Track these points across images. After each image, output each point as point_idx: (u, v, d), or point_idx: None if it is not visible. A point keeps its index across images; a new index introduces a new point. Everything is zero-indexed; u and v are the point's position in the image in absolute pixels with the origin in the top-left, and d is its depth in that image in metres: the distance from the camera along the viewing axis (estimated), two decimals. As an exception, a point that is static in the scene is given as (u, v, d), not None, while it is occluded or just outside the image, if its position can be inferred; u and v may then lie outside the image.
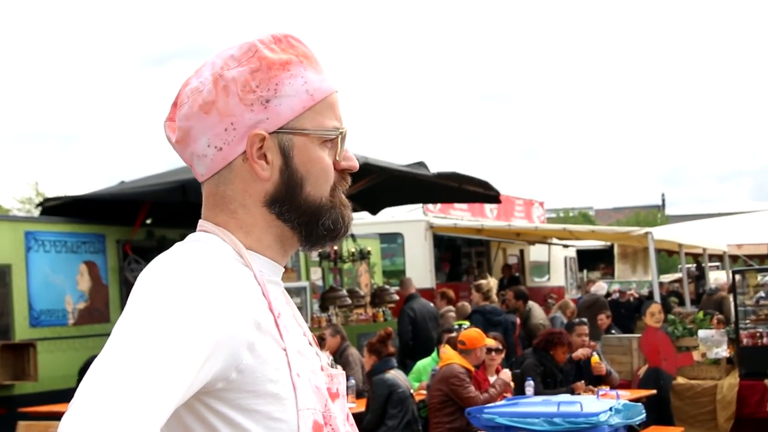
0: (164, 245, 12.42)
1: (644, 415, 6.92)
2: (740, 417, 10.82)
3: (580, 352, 10.10)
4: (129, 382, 1.33)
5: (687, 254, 20.33)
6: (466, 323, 10.96)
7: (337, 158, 1.74)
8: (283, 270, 1.77)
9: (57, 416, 9.01)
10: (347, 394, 2.10)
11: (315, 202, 1.71)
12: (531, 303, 14.81)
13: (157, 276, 1.54)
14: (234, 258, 1.65)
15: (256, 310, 1.59)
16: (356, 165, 1.77)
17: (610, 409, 6.51)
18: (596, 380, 10.09)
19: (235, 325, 1.53)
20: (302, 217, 1.71)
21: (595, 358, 10.23)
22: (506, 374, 8.92)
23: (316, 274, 14.89)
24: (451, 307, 13.96)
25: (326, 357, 1.85)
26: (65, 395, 10.62)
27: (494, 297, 12.10)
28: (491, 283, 12.21)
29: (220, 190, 1.71)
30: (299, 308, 1.86)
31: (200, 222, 1.74)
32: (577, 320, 11.61)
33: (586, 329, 10.66)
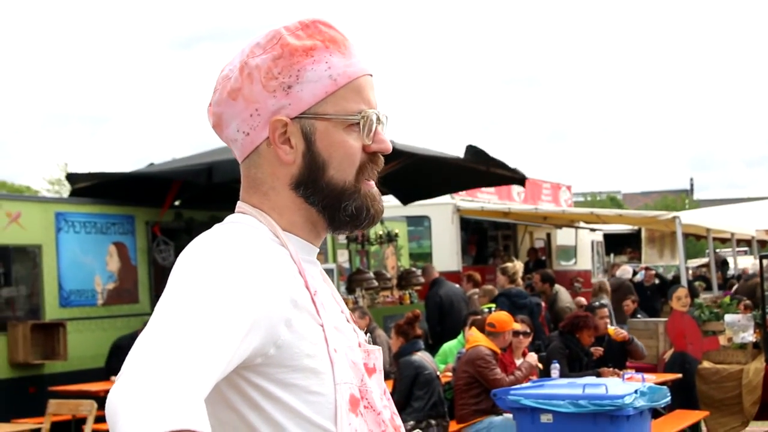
0: (192, 227, 12.63)
1: (669, 398, 6.91)
2: (766, 401, 10.79)
3: (613, 332, 10.26)
4: (173, 356, 1.37)
5: (715, 239, 20.22)
6: (494, 306, 10.98)
7: (366, 141, 1.76)
8: (318, 250, 1.82)
9: (86, 395, 9.14)
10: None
11: (338, 185, 1.75)
12: (558, 286, 14.79)
13: (198, 255, 1.59)
14: (270, 238, 1.70)
15: (293, 288, 1.64)
16: (389, 147, 1.80)
17: (636, 391, 6.50)
18: (622, 361, 10.11)
19: (272, 303, 1.57)
20: (326, 200, 1.75)
21: (611, 329, 10.31)
22: (532, 357, 8.93)
23: (342, 256, 14.92)
24: (476, 290, 13.93)
25: (363, 334, 1.85)
26: (94, 374, 10.77)
27: (519, 280, 12.08)
28: (517, 266, 12.17)
29: (251, 173, 1.77)
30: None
31: (238, 203, 1.79)
32: (597, 303, 11.65)
33: (606, 311, 10.69)
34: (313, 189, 1.74)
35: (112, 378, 9.70)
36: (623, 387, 6.68)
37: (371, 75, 1.81)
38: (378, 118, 1.78)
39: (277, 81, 1.72)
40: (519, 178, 14.29)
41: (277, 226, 1.72)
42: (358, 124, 1.75)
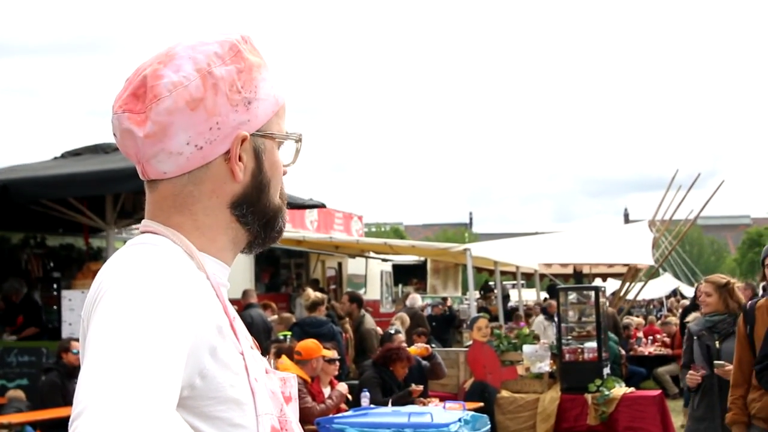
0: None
1: (489, 426, 7.02)
2: (559, 430, 11.14)
3: (416, 348, 10.57)
4: (133, 379, 1.30)
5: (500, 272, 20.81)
6: (289, 334, 10.97)
7: (287, 161, 1.78)
8: (229, 271, 1.74)
9: None
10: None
11: (275, 205, 1.74)
12: (363, 310, 14.83)
13: (123, 284, 1.49)
14: (186, 260, 1.61)
15: (216, 314, 1.57)
16: (288, 169, 1.81)
17: (459, 420, 6.57)
18: (424, 389, 10.21)
19: (200, 330, 1.50)
20: (263, 219, 1.72)
21: (412, 348, 10.58)
22: (343, 387, 8.88)
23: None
24: (275, 317, 13.90)
25: (267, 361, 1.78)
26: None
27: (321, 309, 12.01)
28: (308, 294, 12.26)
29: (186, 190, 1.67)
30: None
31: (145, 222, 1.70)
32: (393, 330, 11.95)
33: (402, 337, 10.94)
34: (254, 208, 1.70)
35: None
36: (447, 415, 6.74)
37: None
38: None
39: (240, 95, 1.66)
40: (317, 205, 14.35)
41: (194, 248, 1.63)
42: (282, 143, 1.75)
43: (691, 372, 7.18)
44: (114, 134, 1.70)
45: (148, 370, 1.32)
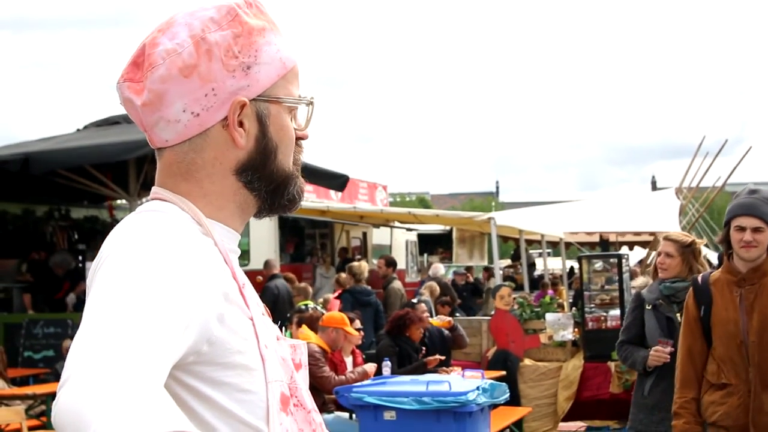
0: (6, 219, 12.03)
1: (508, 394, 7.03)
2: (581, 399, 11.12)
3: (438, 320, 10.65)
4: (122, 350, 1.28)
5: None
6: (311, 303, 11.04)
7: (299, 126, 1.75)
8: (239, 237, 1.73)
9: None
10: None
11: (284, 170, 1.71)
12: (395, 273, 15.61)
13: (127, 250, 1.49)
14: (194, 227, 1.61)
15: (223, 281, 1.56)
16: (308, 134, 1.78)
17: (478, 388, 6.59)
18: (445, 353, 10.23)
19: (205, 297, 1.49)
20: (270, 185, 1.70)
21: (434, 320, 10.67)
22: (370, 366, 8.83)
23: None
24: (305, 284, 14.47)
25: (278, 328, 1.78)
26: None
27: (364, 278, 12.78)
28: (363, 266, 12.68)
29: (188, 158, 1.66)
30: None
31: (155, 189, 1.69)
32: (415, 299, 12.05)
33: (424, 306, 11.00)
34: (261, 174, 1.68)
35: None
36: (465, 384, 6.77)
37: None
38: None
39: (237, 60, 1.63)
40: (341, 181, 14.55)
41: (201, 215, 1.63)
42: (294, 108, 1.73)
43: (656, 348, 6.00)
44: (120, 104, 1.71)
45: (139, 341, 1.31)
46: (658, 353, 5.96)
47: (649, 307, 6.17)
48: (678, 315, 5.86)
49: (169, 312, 1.38)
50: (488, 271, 23.73)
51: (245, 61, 1.64)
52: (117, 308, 1.36)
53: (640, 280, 7.05)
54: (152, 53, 1.63)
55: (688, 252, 6.09)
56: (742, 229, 4.88)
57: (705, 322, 4.97)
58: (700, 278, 5.13)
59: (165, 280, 1.42)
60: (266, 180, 1.69)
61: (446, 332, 10.51)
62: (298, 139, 1.76)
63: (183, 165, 1.66)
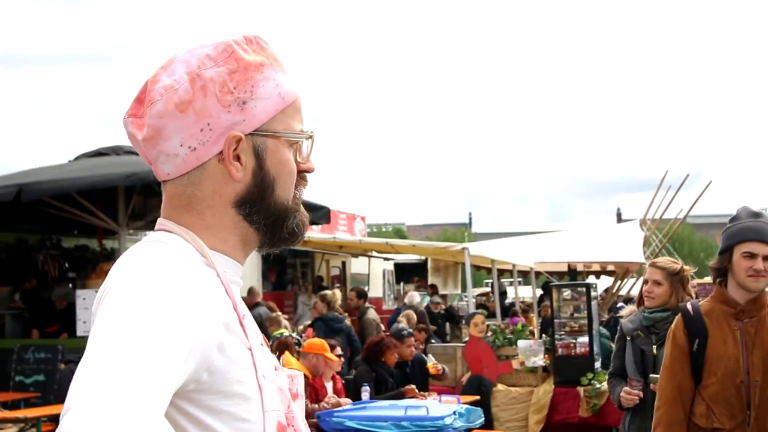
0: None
1: (483, 419, 7.35)
2: (552, 422, 11.55)
3: (432, 366, 10.99)
4: (124, 378, 1.34)
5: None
6: (286, 332, 11.37)
7: (299, 159, 1.77)
8: (242, 269, 1.77)
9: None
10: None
11: (283, 204, 1.73)
12: (368, 303, 15.89)
13: (130, 280, 1.53)
14: (197, 258, 1.65)
15: (224, 311, 1.60)
16: (314, 167, 1.81)
17: (454, 413, 6.92)
18: (425, 382, 10.68)
19: (207, 326, 1.53)
20: (269, 219, 1.72)
21: (430, 364, 10.93)
22: (346, 401, 9.02)
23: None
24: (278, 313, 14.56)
25: (276, 359, 1.90)
26: None
27: (337, 306, 12.83)
28: (335, 294, 12.89)
29: (188, 191, 1.70)
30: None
31: (160, 221, 1.73)
32: (405, 332, 12.20)
33: (413, 340, 11.24)
34: (259, 207, 1.71)
35: None
36: (442, 408, 7.05)
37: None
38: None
39: (232, 96, 1.67)
40: (322, 213, 14.84)
41: (205, 246, 1.66)
42: (297, 143, 1.76)
43: (626, 389, 5.71)
44: (128, 138, 1.77)
45: (141, 370, 1.35)
46: (628, 394, 5.69)
47: (629, 338, 5.83)
48: (654, 347, 5.59)
49: (171, 340, 1.42)
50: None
51: (241, 97, 1.67)
52: (120, 337, 1.40)
53: (627, 309, 6.52)
54: (152, 90, 1.69)
55: (677, 280, 5.68)
56: (752, 256, 4.31)
57: (698, 357, 4.38)
58: (690, 308, 4.53)
59: (167, 309, 1.46)
60: (265, 213, 1.71)
61: (426, 358, 10.99)
62: (303, 172, 1.79)
63: (184, 197, 1.70)
